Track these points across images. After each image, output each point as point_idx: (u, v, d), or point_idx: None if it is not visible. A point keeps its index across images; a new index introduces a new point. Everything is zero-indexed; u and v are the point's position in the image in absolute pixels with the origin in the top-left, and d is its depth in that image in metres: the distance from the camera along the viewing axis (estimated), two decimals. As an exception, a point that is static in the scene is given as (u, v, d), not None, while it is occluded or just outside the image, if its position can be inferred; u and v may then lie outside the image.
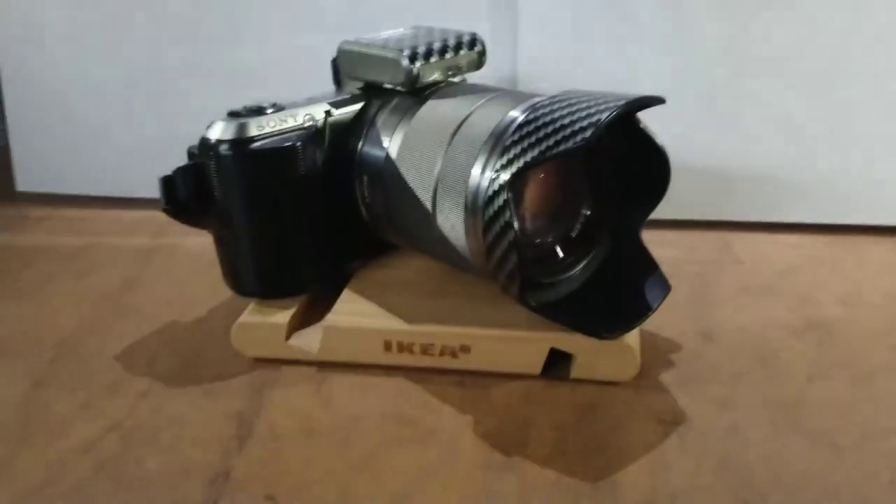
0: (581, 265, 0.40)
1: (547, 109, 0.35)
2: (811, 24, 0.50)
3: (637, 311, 0.38)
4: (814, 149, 0.53)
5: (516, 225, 0.34)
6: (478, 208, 0.35)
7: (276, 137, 0.39)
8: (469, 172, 0.36)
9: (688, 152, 0.53)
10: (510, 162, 0.34)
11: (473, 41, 0.43)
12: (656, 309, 0.38)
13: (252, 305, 0.42)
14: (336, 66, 0.44)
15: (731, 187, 0.54)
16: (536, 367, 0.39)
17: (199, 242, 0.52)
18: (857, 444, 0.34)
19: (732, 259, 0.51)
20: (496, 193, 0.34)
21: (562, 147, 0.33)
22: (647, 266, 0.40)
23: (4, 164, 0.66)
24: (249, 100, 0.57)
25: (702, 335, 0.43)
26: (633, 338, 0.39)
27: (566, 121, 0.34)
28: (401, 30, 0.45)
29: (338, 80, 0.45)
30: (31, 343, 0.44)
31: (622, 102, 0.33)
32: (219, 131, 0.39)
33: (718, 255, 0.52)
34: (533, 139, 0.34)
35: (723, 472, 0.33)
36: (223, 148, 0.39)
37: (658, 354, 0.41)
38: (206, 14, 0.58)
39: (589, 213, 0.41)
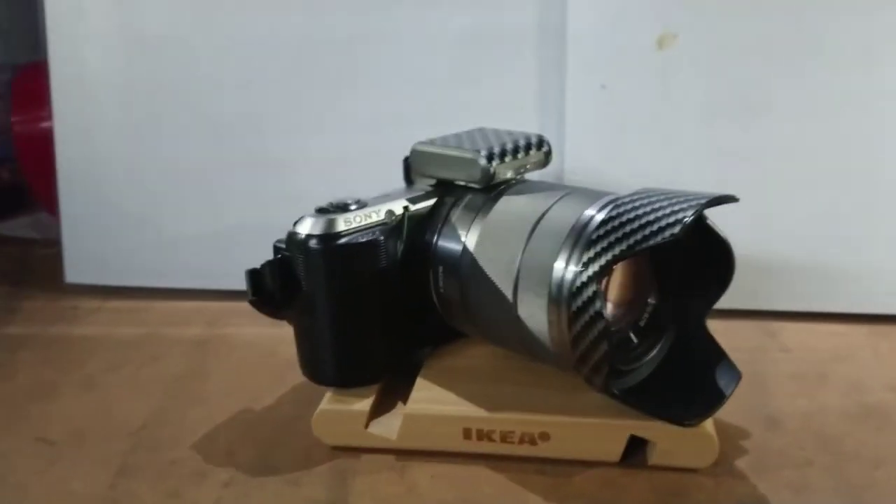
0: (652, 353, 0.42)
1: (629, 206, 0.37)
2: (839, 120, 0.54)
3: (712, 398, 0.40)
4: (850, 240, 0.55)
5: (606, 314, 0.36)
6: (562, 299, 0.37)
7: (361, 232, 0.41)
8: (552, 266, 0.38)
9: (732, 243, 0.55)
10: (598, 255, 0.36)
11: (541, 142, 0.45)
12: (730, 395, 0.40)
13: (330, 394, 0.43)
14: (408, 164, 0.47)
15: (772, 277, 0.56)
16: (615, 454, 0.40)
17: (252, 332, 0.54)
18: (936, 528, 0.35)
19: (778, 347, 0.53)
20: (584, 285, 0.36)
21: (650, 242, 0.35)
22: (716, 354, 0.42)
23: (50, 257, 0.67)
24: (296, 194, 0.60)
25: (766, 422, 0.44)
26: (709, 425, 0.40)
27: (651, 217, 0.36)
28: (465, 131, 0.48)
29: (409, 178, 0.47)
30: (108, 432, 0.45)
31: (704, 200, 0.36)
32: (308, 226, 0.41)
33: (764, 343, 0.54)
34: (620, 234, 0.36)
35: (814, 556, 0.34)
36: (312, 242, 0.41)
37: (728, 441, 0.42)
38: (255, 110, 0.61)
39: (655, 302, 0.43)
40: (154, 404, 0.48)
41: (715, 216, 0.40)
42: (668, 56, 0.55)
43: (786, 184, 0.55)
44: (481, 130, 0.48)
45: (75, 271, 0.66)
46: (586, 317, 0.36)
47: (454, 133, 0.47)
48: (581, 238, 0.38)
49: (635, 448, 0.40)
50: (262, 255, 0.65)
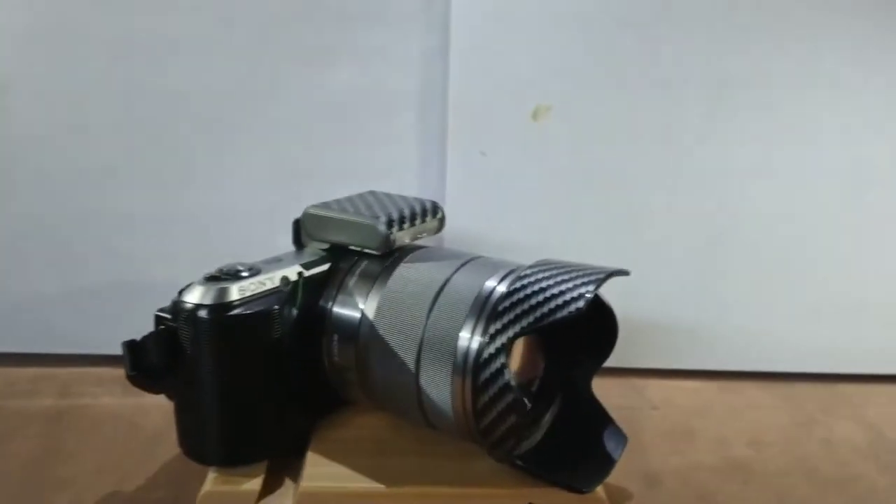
0: (544, 419, 0.43)
1: (532, 279, 0.38)
2: (696, 193, 0.58)
3: (603, 462, 0.41)
4: (702, 303, 0.60)
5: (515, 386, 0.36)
6: (468, 370, 0.38)
7: (255, 301, 0.40)
8: (457, 336, 0.38)
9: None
10: (505, 327, 0.37)
11: (435, 208, 0.46)
12: (619, 460, 0.41)
13: (214, 474, 0.41)
14: (298, 227, 0.46)
15: (637, 336, 0.60)
16: (513, 522, 0.41)
17: (111, 403, 0.51)
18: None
19: (648, 405, 0.56)
20: (492, 357, 0.36)
21: (556, 315, 0.36)
22: (602, 417, 0.44)
23: None
24: (165, 253, 0.57)
25: (646, 480, 0.46)
26: (599, 488, 0.41)
27: (555, 290, 0.37)
28: (357, 194, 0.47)
29: (298, 241, 0.46)
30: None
31: (602, 275, 0.38)
32: (197, 295, 0.39)
33: (633, 400, 0.57)
34: (526, 306, 0.37)
35: None
36: (202, 313, 0.38)
37: (612, 501, 0.43)
38: (121, 161, 0.58)
39: (545, 368, 0.44)
40: (13, 492, 0.43)
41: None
42: (544, 127, 0.57)
43: (645, 250, 0.59)
44: (374, 194, 0.47)
45: None
46: (494, 388, 0.36)
47: (346, 196, 0.47)
48: (485, 309, 0.38)
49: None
50: (118, 316, 0.61)
